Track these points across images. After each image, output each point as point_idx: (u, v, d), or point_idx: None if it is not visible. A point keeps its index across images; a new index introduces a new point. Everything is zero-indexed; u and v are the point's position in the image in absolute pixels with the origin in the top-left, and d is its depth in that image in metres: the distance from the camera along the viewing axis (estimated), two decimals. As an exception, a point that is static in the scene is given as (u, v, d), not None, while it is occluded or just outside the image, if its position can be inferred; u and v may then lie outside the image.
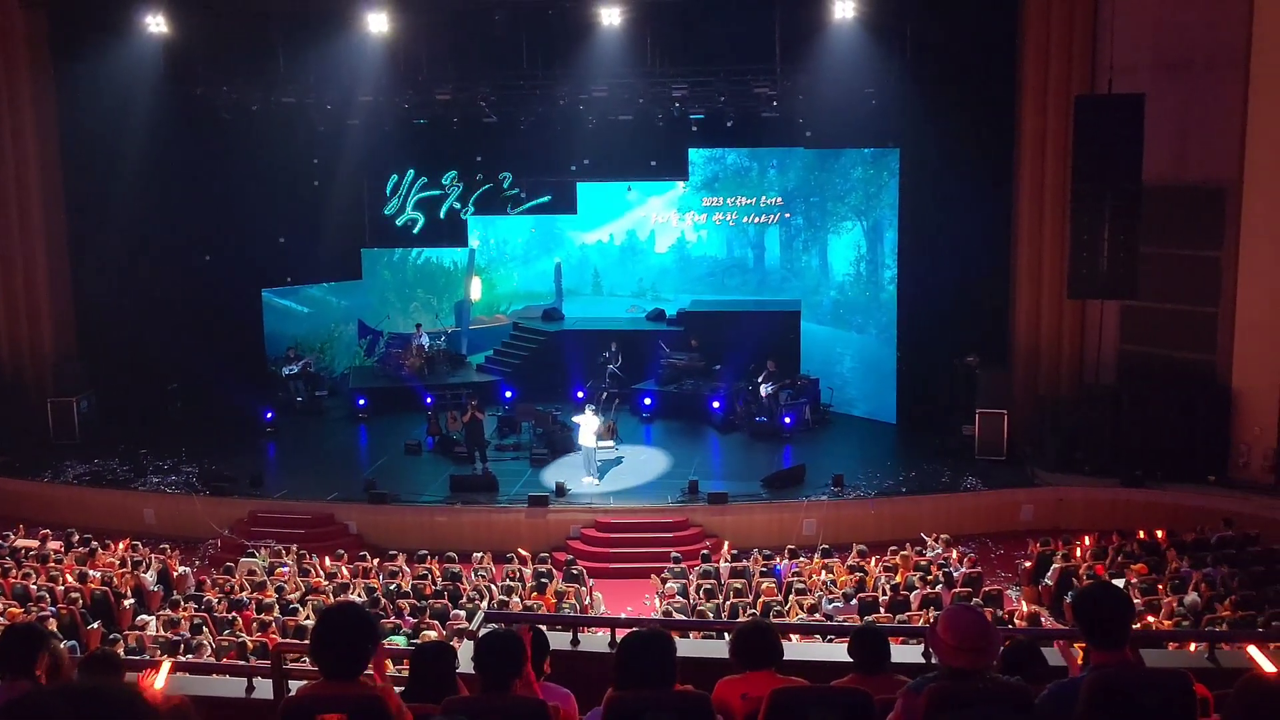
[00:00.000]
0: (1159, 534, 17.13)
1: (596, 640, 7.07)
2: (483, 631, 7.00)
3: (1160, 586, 15.22)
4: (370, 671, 3.97)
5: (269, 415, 23.34)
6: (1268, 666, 4.58)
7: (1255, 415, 19.29)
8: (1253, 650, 5.42)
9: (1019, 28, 21.02)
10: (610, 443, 22.17)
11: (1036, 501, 19.89)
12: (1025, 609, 15.25)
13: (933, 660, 6.37)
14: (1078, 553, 16.84)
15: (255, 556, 17.23)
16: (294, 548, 17.65)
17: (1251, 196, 18.90)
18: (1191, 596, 14.27)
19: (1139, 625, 12.29)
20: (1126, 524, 17.85)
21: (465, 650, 6.58)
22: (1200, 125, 19.35)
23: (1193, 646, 8.32)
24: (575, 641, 6.98)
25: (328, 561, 17.13)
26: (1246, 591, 14.85)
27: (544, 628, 6.05)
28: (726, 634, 10.29)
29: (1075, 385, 21.20)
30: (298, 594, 15.52)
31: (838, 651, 7.47)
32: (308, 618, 14.25)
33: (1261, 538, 17.23)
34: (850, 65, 20.46)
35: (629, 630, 4.34)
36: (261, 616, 14.62)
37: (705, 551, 17.74)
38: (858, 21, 20.18)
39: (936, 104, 20.47)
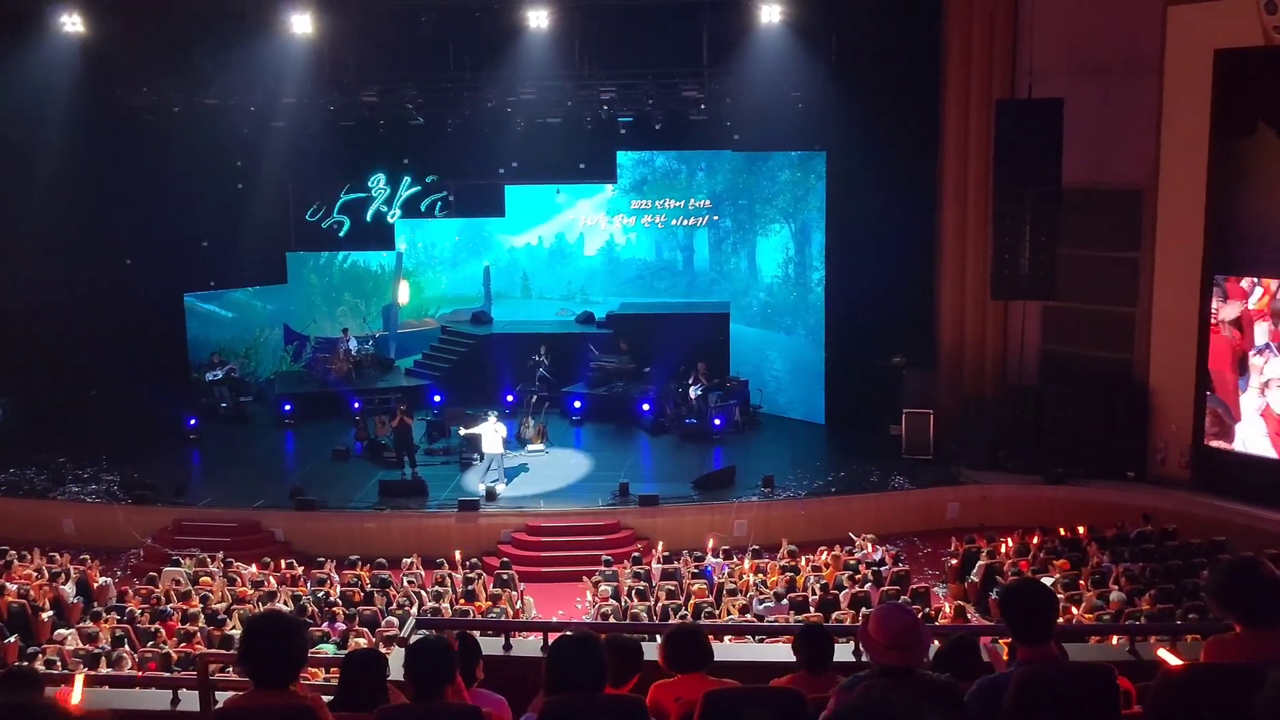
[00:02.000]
0: (1080, 530, 17.48)
1: (529, 645, 7.04)
2: (414, 638, 6.96)
3: (1081, 582, 15.54)
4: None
5: (192, 422, 22.92)
6: (1175, 662, 4.70)
7: (1171, 413, 19.74)
8: (1163, 653, 5.56)
9: (941, 33, 21.34)
10: (541, 446, 22.14)
11: (962, 499, 20.19)
12: (951, 606, 15.46)
13: (864, 659, 6.46)
14: (1002, 550, 17.11)
15: (180, 566, 16.93)
16: (220, 556, 17.38)
17: (1166, 199, 19.35)
18: (1116, 593, 14.57)
19: (1062, 620, 12.52)
20: (1050, 521, 18.18)
21: (396, 657, 6.52)
22: (1117, 129, 19.76)
23: (1114, 640, 8.50)
24: (507, 646, 6.95)
25: (253, 569, 16.89)
26: (1165, 585, 15.22)
27: (476, 633, 6.02)
28: (659, 635, 10.38)
29: (999, 385, 21.57)
30: (224, 604, 15.27)
31: (769, 652, 7.54)
32: (234, 628, 14.03)
33: (1178, 532, 17.66)
34: (777, 69, 20.67)
35: (558, 636, 4.32)
36: (186, 627, 14.37)
37: (637, 554, 17.75)
38: (784, 26, 20.39)
39: (862, 108, 20.70)
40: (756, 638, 9.41)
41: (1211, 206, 18.85)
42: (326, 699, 4.29)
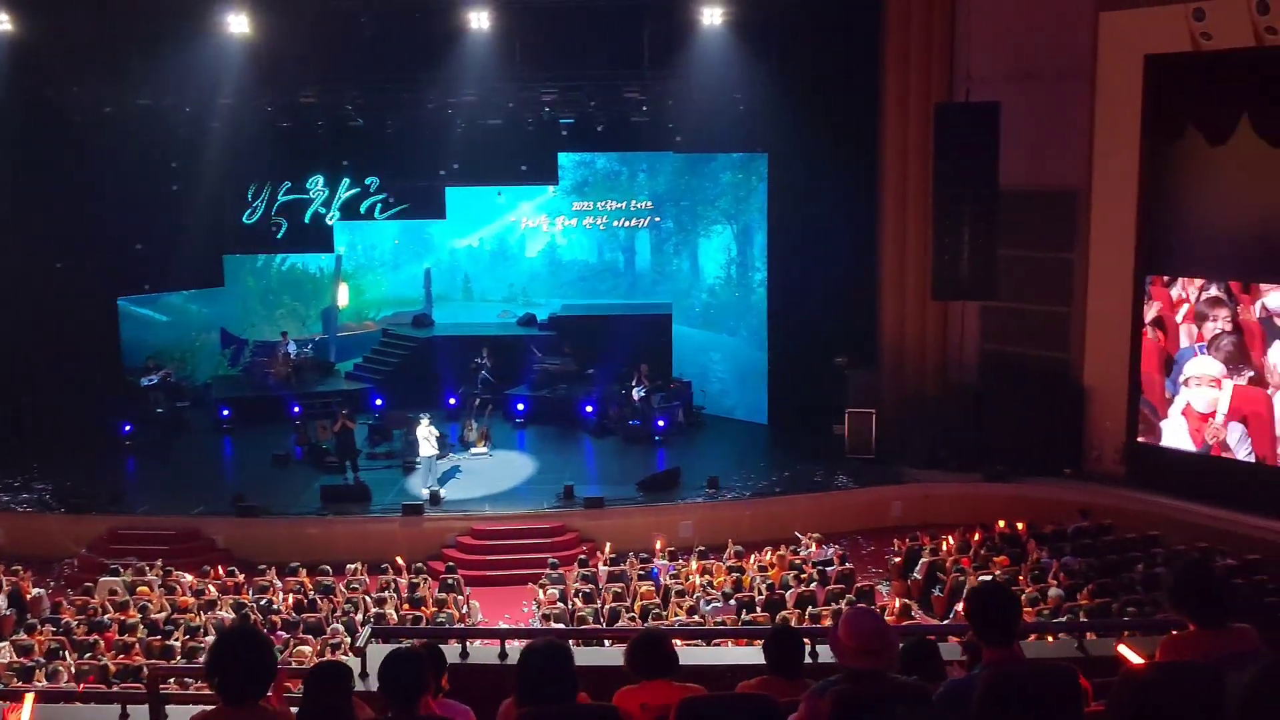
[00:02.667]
0: (1019, 525, 17.75)
1: (486, 652, 7.01)
2: (371, 647, 6.90)
3: (1021, 578, 15.77)
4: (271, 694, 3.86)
5: (127, 428, 22.49)
6: (1135, 660, 4.80)
7: (1106, 410, 20.11)
8: (1122, 648, 5.67)
9: (881, 37, 21.56)
10: (484, 449, 22.04)
11: (905, 498, 20.41)
12: (896, 604, 15.63)
13: (819, 661, 6.52)
14: (944, 547, 17.32)
15: (118, 575, 16.61)
16: (158, 564, 17.08)
17: (1100, 201, 19.72)
18: (1055, 589, 14.80)
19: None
20: (990, 518, 18.41)
21: (353, 666, 6.46)
22: (1052, 133, 20.10)
23: (1051, 637, 8.63)
24: (465, 654, 6.91)
25: (192, 578, 16.62)
26: (1102, 579, 15.50)
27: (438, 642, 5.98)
28: (607, 641, 10.38)
29: (940, 384, 21.85)
30: (164, 614, 15.01)
31: (728, 655, 7.57)
32: (177, 639, 13.81)
33: (1115, 528, 17.99)
34: (719, 71, 20.75)
35: (526, 643, 4.31)
36: (125, 638, 14.10)
37: (583, 556, 17.74)
38: (726, 28, 20.49)
39: (803, 110, 20.85)
40: (710, 641, 9.47)
41: (1143, 209, 19.25)
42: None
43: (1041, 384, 20.71)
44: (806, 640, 5.50)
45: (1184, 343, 19.14)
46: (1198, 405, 19.06)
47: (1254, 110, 17.42)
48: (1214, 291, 18.73)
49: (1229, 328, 18.62)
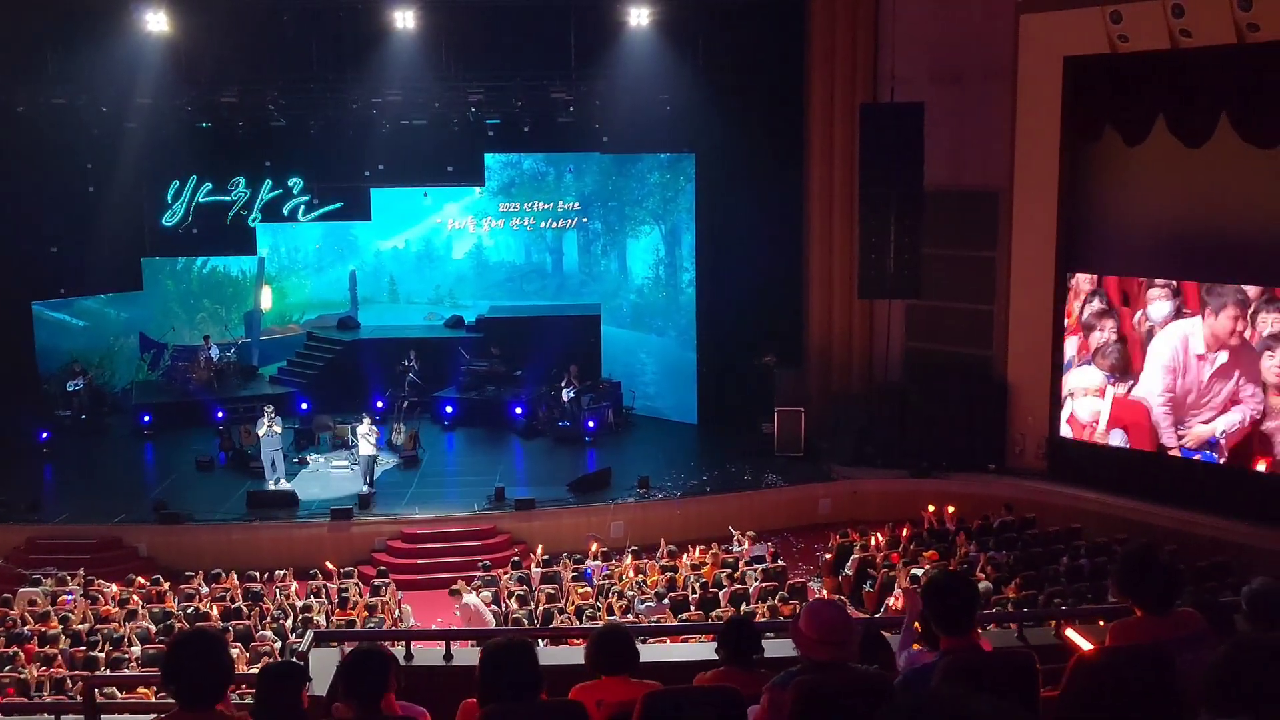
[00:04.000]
0: (949, 509, 18.06)
1: (431, 654, 6.94)
2: (314, 652, 6.80)
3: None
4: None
5: (44, 435, 21.92)
6: (1086, 646, 4.91)
7: (1028, 406, 20.51)
8: (1071, 633, 5.79)
9: (806, 38, 21.77)
10: (413, 451, 21.84)
11: (833, 495, 20.61)
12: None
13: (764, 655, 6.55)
14: (874, 543, 17.54)
15: (39, 585, 16.16)
16: (80, 574, 16.66)
17: (1021, 200, 20.10)
18: (984, 583, 15.05)
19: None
20: (917, 514, 18.71)
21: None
22: (975, 133, 20.45)
23: (992, 627, 8.80)
24: (409, 657, 6.85)
25: (115, 588, 16.24)
26: (1027, 572, 15.81)
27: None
28: (542, 640, 10.36)
29: (866, 382, 22.11)
30: (86, 624, 14.65)
31: (672, 652, 7.59)
32: (102, 650, 13.49)
33: (1038, 521, 18.37)
34: (646, 72, 20.81)
35: (489, 642, 4.28)
36: (46, 650, 13.73)
37: (516, 558, 17.66)
38: (653, 29, 20.54)
39: (730, 111, 20.99)
40: (639, 639, 9.46)
41: (1063, 208, 19.66)
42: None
43: (965, 381, 21.07)
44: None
45: (1068, 354, 19.67)
46: (1081, 415, 19.71)
47: (1169, 111, 17.89)
48: (1097, 304, 19.29)
49: (1114, 337, 19.21)
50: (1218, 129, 17.38)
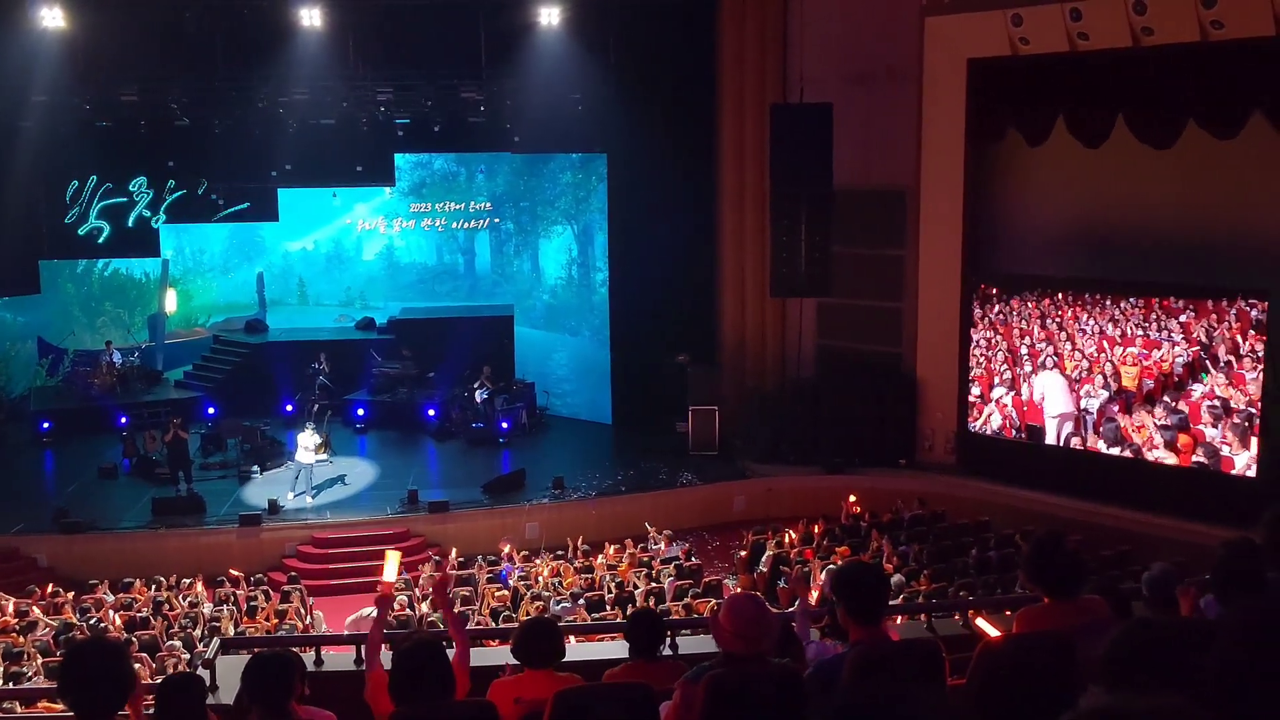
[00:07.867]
0: (853, 500, 18.41)
1: (343, 659, 6.85)
2: (220, 660, 6.67)
3: (863, 566, 16.21)
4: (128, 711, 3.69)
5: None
6: (994, 633, 5.00)
7: (937, 402, 20.85)
8: (981, 622, 5.89)
9: (717, 38, 21.90)
10: (325, 456, 21.51)
11: (748, 493, 20.75)
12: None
13: (680, 652, 6.58)
14: (787, 539, 17.69)
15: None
16: (-24, 587, 16.14)
17: (928, 198, 20.43)
18: (896, 577, 15.26)
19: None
20: (831, 509, 18.92)
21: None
22: (883, 133, 20.74)
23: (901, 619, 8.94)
24: (320, 662, 6.74)
25: (12, 601, 15.75)
26: (938, 565, 16.09)
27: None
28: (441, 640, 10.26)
29: (779, 380, 22.30)
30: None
31: (594, 650, 7.57)
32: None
33: (948, 515, 18.69)
34: (557, 71, 20.76)
35: (398, 643, 4.23)
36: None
37: (436, 559, 17.49)
38: (563, 28, 20.50)
39: (642, 110, 21.01)
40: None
41: (969, 207, 20.04)
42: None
43: (876, 378, 21.37)
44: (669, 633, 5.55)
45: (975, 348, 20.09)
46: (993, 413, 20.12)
47: (1069, 112, 18.33)
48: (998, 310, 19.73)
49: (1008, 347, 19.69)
50: (1115, 130, 17.85)
